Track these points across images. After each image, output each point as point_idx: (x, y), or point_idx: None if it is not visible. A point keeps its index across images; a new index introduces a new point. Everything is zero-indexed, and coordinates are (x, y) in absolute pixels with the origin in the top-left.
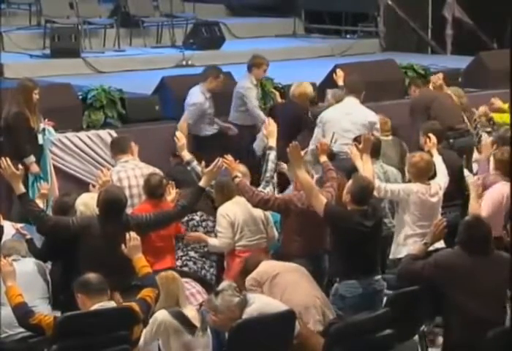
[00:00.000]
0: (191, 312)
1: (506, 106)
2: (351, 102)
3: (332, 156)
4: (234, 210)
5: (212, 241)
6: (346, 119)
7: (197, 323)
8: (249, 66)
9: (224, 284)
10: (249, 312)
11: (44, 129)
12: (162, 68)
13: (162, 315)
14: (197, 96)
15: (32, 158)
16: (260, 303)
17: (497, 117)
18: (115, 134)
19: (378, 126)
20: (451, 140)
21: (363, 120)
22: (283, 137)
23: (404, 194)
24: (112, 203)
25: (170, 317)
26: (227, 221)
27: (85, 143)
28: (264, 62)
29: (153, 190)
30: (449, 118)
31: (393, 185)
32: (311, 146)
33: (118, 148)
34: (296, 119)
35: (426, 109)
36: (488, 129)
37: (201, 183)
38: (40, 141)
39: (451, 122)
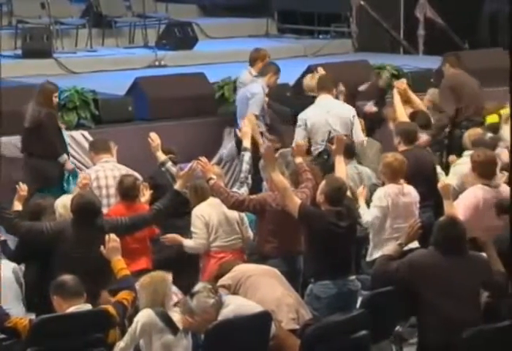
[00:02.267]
0: (175, 314)
1: (493, 107)
2: (327, 100)
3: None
4: (209, 211)
5: (187, 242)
6: (330, 117)
7: (180, 325)
8: (251, 60)
9: (199, 286)
10: (224, 314)
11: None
12: (134, 68)
13: (146, 314)
14: (257, 88)
15: (65, 156)
16: (236, 305)
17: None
18: (88, 135)
19: (357, 117)
20: (463, 130)
21: (345, 114)
22: None
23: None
24: (85, 208)
25: (155, 317)
26: (202, 222)
27: None
28: (266, 54)
29: (126, 191)
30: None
31: (371, 212)
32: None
33: (100, 148)
34: None
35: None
36: None
37: (176, 187)
38: (67, 140)
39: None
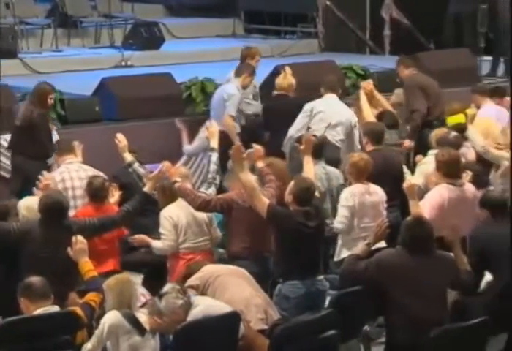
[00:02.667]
0: (142, 316)
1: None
2: (334, 99)
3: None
4: (177, 212)
5: (156, 244)
6: (337, 113)
7: (148, 327)
8: (242, 57)
9: (167, 287)
10: (193, 314)
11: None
12: (100, 68)
13: (113, 316)
14: (232, 89)
15: (52, 159)
16: (205, 305)
17: (450, 119)
18: (55, 136)
19: (358, 126)
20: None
21: (349, 115)
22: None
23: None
24: (53, 208)
25: (122, 318)
26: (171, 224)
27: None
28: (257, 52)
29: (95, 192)
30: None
31: (338, 213)
32: (297, 133)
33: (63, 149)
34: (295, 112)
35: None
36: None
37: (145, 189)
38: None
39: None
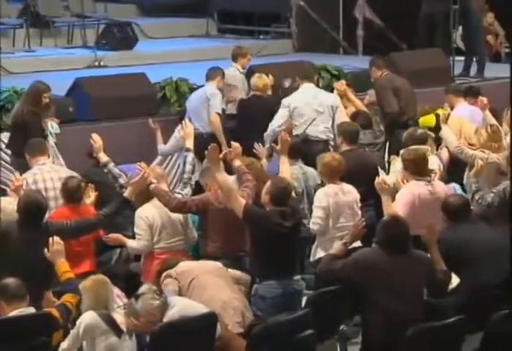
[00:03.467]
0: (119, 316)
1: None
2: (311, 87)
3: (305, 140)
4: (152, 212)
5: (131, 243)
6: (315, 103)
7: (124, 328)
8: (234, 56)
9: (144, 288)
10: (170, 315)
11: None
12: (73, 69)
13: (90, 316)
14: (213, 88)
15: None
16: (181, 306)
17: (422, 120)
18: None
19: (341, 105)
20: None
21: (329, 101)
22: (259, 132)
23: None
24: (32, 208)
25: (98, 319)
26: (146, 223)
27: None
28: (248, 52)
29: (71, 193)
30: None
31: (313, 214)
32: (278, 128)
33: (35, 150)
34: (273, 112)
35: (395, 91)
36: None
37: (125, 194)
38: (51, 142)
39: (412, 112)
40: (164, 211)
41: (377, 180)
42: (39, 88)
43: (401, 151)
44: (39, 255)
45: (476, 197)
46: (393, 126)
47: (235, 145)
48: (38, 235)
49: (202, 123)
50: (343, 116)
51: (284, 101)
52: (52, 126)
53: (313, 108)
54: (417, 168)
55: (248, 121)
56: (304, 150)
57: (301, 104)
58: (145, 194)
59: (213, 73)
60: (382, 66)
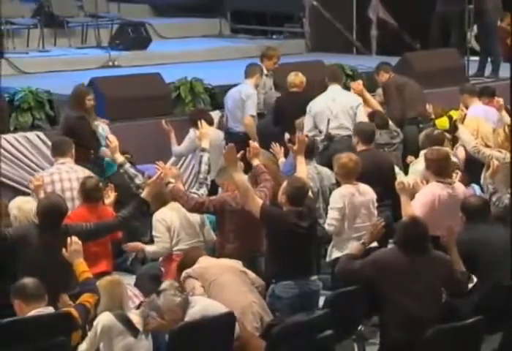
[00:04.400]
0: (134, 316)
1: (441, 110)
2: (335, 89)
3: (330, 139)
4: (170, 215)
5: (150, 248)
6: (334, 105)
7: (140, 327)
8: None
9: (165, 284)
10: (191, 314)
11: (97, 126)
12: (87, 69)
13: (106, 317)
14: (250, 89)
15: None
16: (202, 305)
17: (437, 123)
18: (43, 136)
19: (362, 107)
20: (421, 125)
21: (350, 103)
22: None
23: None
24: (52, 211)
25: (115, 319)
26: (164, 226)
27: (13, 146)
28: (275, 54)
29: (89, 194)
30: (419, 103)
31: (329, 215)
32: (309, 133)
33: (56, 151)
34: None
35: (399, 91)
36: None
37: (143, 195)
38: (102, 143)
39: (421, 107)
40: (182, 213)
41: (398, 180)
42: (81, 91)
43: (424, 151)
44: (57, 258)
45: (493, 198)
46: (400, 125)
47: (254, 144)
48: (57, 238)
49: (237, 123)
50: (364, 116)
51: (308, 106)
52: (103, 128)
53: (330, 111)
54: (439, 168)
55: (287, 117)
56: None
57: (322, 107)
58: (162, 198)
59: (252, 70)
60: (389, 70)
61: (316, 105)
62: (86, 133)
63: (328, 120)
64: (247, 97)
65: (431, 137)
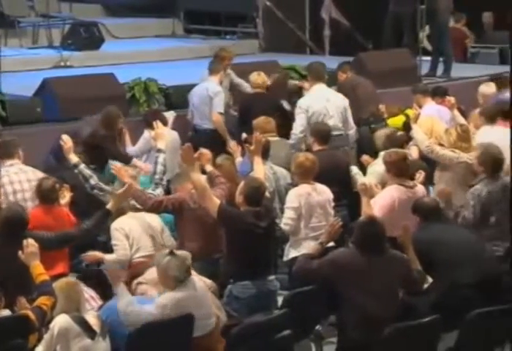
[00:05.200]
0: (91, 318)
1: (397, 109)
2: (324, 89)
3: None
4: (128, 223)
5: (109, 257)
6: (329, 105)
7: (98, 329)
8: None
9: None
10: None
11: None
12: (39, 69)
13: (63, 319)
14: (216, 86)
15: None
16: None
17: (390, 121)
18: None
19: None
20: (373, 126)
21: (342, 103)
22: None
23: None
24: (13, 222)
25: (71, 321)
26: (122, 234)
27: None
28: (228, 55)
29: (45, 195)
30: (372, 103)
31: (285, 214)
32: (300, 134)
33: (3, 153)
34: (276, 108)
35: (353, 91)
36: None
37: (109, 206)
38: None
39: (374, 107)
40: (142, 221)
41: (359, 181)
42: (115, 113)
43: (383, 153)
44: (16, 263)
45: (459, 220)
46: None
47: (204, 151)
48: (19, 247)
49: (205, 120)
50: (351, 118)
51: (302, 104)
52: None
53: (327, 112)
54: (399, 171)
55: (251, 118)
56: None
57: (320, 107)
58: (121, 209)
59: (216, 67)
60: (346, 70)
61: (314, 105)
62: (111, 152)
63: (324, 117)
64: (214, 94)
65: (392, 138)
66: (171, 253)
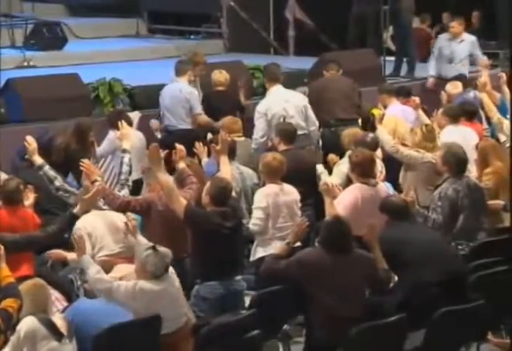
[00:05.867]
0: (58, 320)
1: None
2: (281, 90)
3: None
4: (90, 221)
5: (72, 256)
6: (288, 106)
7: (64, 331)
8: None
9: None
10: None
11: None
12: (2, 69)
13: (29, 321)
14: (188, 87)
15: None
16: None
17: None
18: None
19: (308, 106)
20: (333, 129)
21: (301, 102)
22: None
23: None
24: None
25: (38, 323)
26: (84, 233)
27: None
28: (202, 61)
29: (10, 195)
30: (334, 106)
31: (253, 214)
32: (261, 139)
33: None
34: (237, 106)
35: (318, 95)
36: None
37: (76, 210)
38: None
39: (336, 111)
40: (106, 219)
41: (322, 181)
42: (87, 126)
43: (349, 153)
44: None
45: (429, 224)
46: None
47: (180, 147)
48: None
49: (180, 121)
50: (312, 116)
51: (260, 109)
52: None
53: (287, 113)
54: (364, 171)
55: (215, 116)
56: None
57: (278, 109)
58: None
59: (183, 68)
60: (329, 69)
61: (272, 108)
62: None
63: (284, 119)
64: (190, 95)
65: (363, 140)
66: (153, 248)
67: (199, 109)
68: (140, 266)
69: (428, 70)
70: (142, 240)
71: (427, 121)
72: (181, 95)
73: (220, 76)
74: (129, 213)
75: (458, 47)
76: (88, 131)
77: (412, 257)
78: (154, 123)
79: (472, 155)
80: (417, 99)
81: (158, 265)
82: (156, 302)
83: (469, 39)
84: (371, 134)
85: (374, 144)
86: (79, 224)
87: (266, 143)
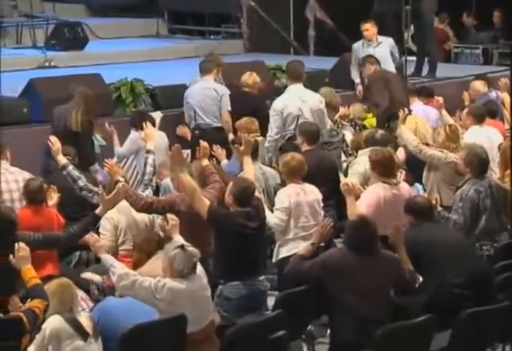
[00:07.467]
0: (84, 319)
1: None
2: (300, 89)
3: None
4: (117, 214)
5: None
6: (304, 106)
7: (90, 330)
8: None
9: None
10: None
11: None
12: (23, 69)
13: (55, 320)
14: (220, 85)
15: (97, 166)
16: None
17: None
18: None
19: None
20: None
21: (317, 105)
22: None
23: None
24: (3, 224)
25: (64, 322)
26: (110, 224)
27: None
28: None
29: (33, 195)
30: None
31: (275, 214)
32: (276, 136)
33: None
34: (256, 109)
35: (385, 85)
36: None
37: (98, 211)
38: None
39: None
40: (130, 214)
41: (343, 181)
42: (92, 95)
43: (362, 151)
44: (4, 264)
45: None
46: (386, 117)
47: (204, 144)
48: (9, 248)
49: (214, 118)
50: (326, 118)
51: (276, 106)
52: (96, 138)
53: (302, 113)
54: (384, 169)
55: (234, 115)
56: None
57: (294, 109)
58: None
59: (209, 66)
60: (374, 62)
61: (289, 107)
62: (91, 140)
63: (298, 118)
64: (223, 94)
65: (373, 138)
66: (181, 247)
67: (229, 106)
68: (168, 264)
69: (353, 78)
70: (178, 239)
71: (451, 121)
72: (215, 93)
73: (249, 78)
74: (168, 214)
75: (375, 51)
76: (95, 100)
77: (438, 257)
78: (181, 129)
79: (497, 155)
80: (440, 99)
81: (186, 264)
82: (178, 300)
83: (387, 41)
84: (380, 131)
85: (385, 140)
86: (106, 215)
87: (279, 142)
